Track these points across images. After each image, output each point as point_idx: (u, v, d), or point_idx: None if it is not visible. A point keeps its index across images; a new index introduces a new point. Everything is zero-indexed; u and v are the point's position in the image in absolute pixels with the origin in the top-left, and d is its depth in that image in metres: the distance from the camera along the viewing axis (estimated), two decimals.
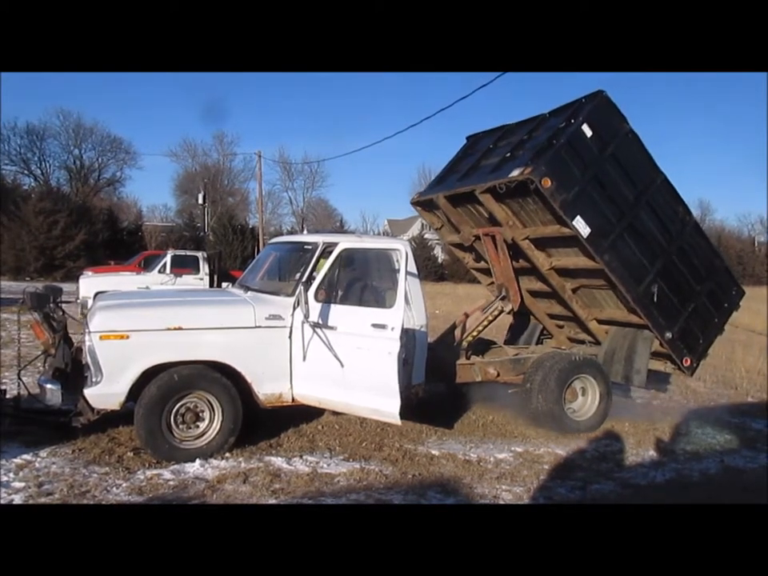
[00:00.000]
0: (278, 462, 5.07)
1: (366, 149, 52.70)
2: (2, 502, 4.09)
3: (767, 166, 60.09)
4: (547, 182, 5.86)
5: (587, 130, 6.18)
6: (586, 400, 6.65)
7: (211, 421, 5.09)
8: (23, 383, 5.35)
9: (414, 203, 8.15)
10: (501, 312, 7.07)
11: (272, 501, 4.32)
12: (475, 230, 7.36)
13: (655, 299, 6.49)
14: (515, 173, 6.05)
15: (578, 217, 6.04)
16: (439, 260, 45.00)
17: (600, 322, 7.13)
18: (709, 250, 7.12)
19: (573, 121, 6.24)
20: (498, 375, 6.67)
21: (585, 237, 6.08)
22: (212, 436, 5.08)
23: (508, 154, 6.65)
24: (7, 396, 5.42)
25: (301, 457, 5.25)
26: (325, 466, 5.09)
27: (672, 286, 6.68)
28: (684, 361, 6.91)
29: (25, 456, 4.86)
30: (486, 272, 7.88)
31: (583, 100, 6.41)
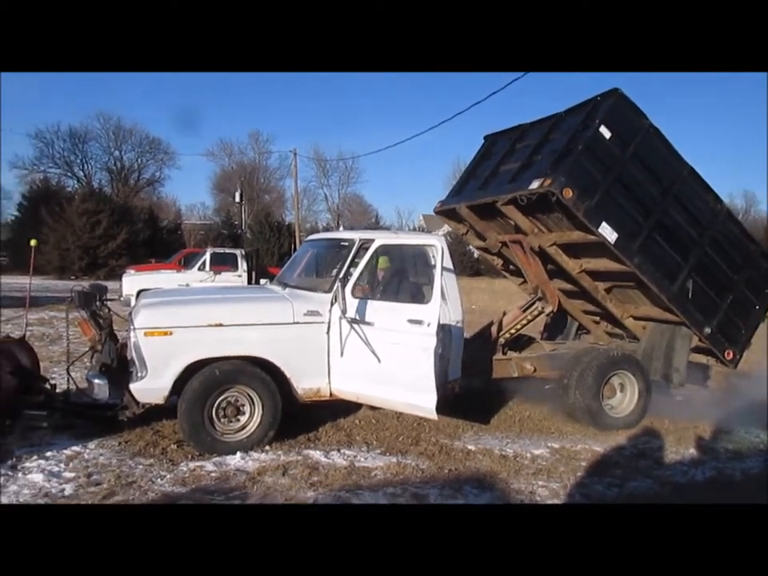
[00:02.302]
0: (317, 455, 5.16)
1: (401, 144, 52.82)
2: (54, 491, 4.26)
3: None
4: (568, 193, 5.74)
5: (605, 132, 6.01)
6: (624, 396, 6.58)
7: (251, 415, 5.21)
8: (72, 378, 5.55)
9: (438, 212, 8.09)
10: (540, 312, 7.02)
11: (310, 493, 4.41)
12: (501, 237, 7.30)
13: (690, 295, 6.35)
14: (535, 185, 5.94)
15: (604, 223, 5.91)
16: (475, 255, 44.68)
17: (636, 318, 7.04)
18: (743, 236, 6.92)
19: (589, 123, 6.09)
20: (535, 371, 6.65)
21: (612, 243, 5.96)
22: (252, 429, 5.19)
23: (526, 160, 6.55)
24: (57, 390, 5.63)
25: (338, 450, 5.33)
26: (362, 459, 5.16)
27: (708, 279, 6.54)
28: (726, 354, 6.78)
29: (74, 447, 5.05)
30: (517, 273, 7.83)
31: (598, 98, 6.23)
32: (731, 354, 6.80)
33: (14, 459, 4.70)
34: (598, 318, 7.65)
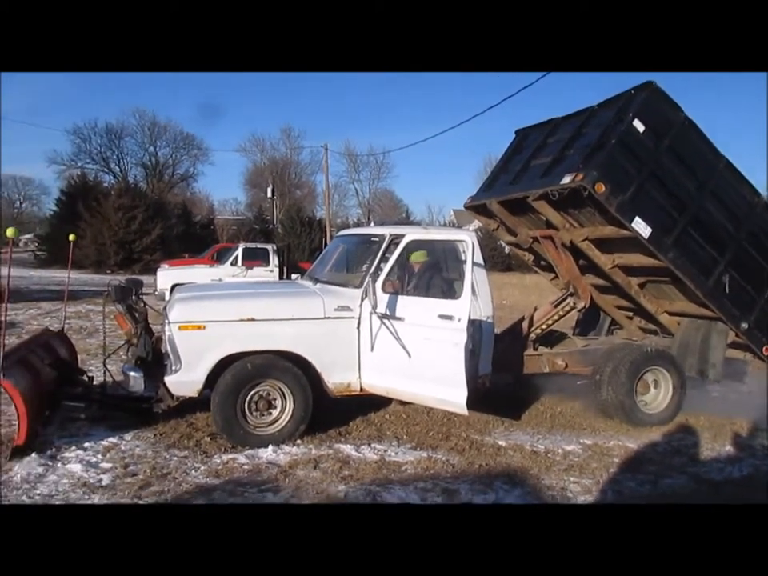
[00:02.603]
0: (347, 449, 5.19)
1: (432, 139, 52.44)
2: (91, 480, 4.37)
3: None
4: (600, 187, 5.65)
5: (639, 126, 5.90)
6: (658, 393, 6.49)
7: (283, 408, 5.26)
8: (108, 371, 5.67)
9: (468, 207, 8.03)
10: (572, 308, 6.95)
11: (341, 487, 4.45)
12: (532, 232, 7.23)
13: (727, 290, 6.24)
14: (566, 179, 5.87)
15: (637, 218, 5.81)
16: (506, 250, 44.34)
17: (671, 314, 6.93)
18: None
19: (623, 116, 5.98)
20: (567, 366, 6.60)
21: (646, 238, 5.86)
22: (284, 423, 5.25)
23: (558, 155, 6.47)
24: (94, 383, 5.77)
25: (369, 445, 5.36)
26: (392, 454, 5.17)
27: (745, 273, 6.40)
28: (764, 349, 6.64)
29: (111, 439, 5.16)
30: (549, 269, 7.75)
31: (632, 92, 6.13)
32: None
33: (54, 449, 4.82)
34: (631, 314, 7.56)
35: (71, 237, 6.80)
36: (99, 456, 4.82)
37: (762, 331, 6.61)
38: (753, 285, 6.50)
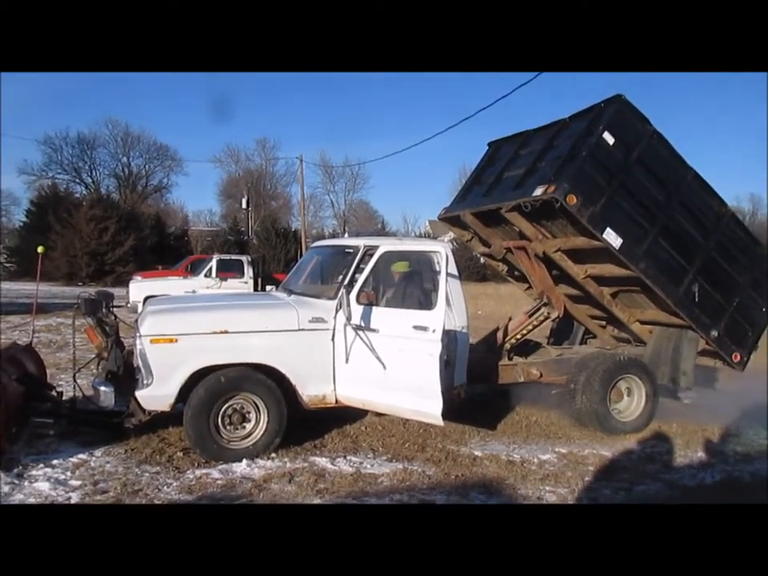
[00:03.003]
0: (323, 462, 5.15)
1: (407, 150, 52.46)
2: (60, 499, 4.26)
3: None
4: (572, 199, 5.75)
5: (609, 138, 6.03)
6: (631, 401, 6.56)
7: (257, 422, 5.20)
8: (78, 385, 5.56)
9: (442, 219, 8.09)
10: (546, 318, 7.01)
11: (317, 500, 4.40)
12: (505, 243, 7.29)
13: (696, 299, 6.35)
14: (538, 191, 5.96)
15: (608, 229, 5.91)
16: (481, 260, 44.59)
17: (643, 323, 7.02)
18: (748, 239, 6.96)
19: (593, 129, 6.10)
20: (541, 376, 6.63)
21: (617, 248, 5.97)
22: (258, 437, 5.19)
23: (530, 167, 6.56)
24: (64, 398, 5.64)
25: (345, 457, 5.32)
26: (368, 466, 5.14)
27: (713, 282, 6.54)
28: (733, 356, 6.77)
29: (81, 455, 5.05)
30: (522, 279, 7.82)
31: (602, 105, 6.26)
32: (738, 357, 6.80)
33: (20, 467, 4.70)
34: (604, 323, 7.64)
35: (39, 249, 6.67)
36: (68, 473, 4.70)
37: (731, 338, 6.73)
38: (721, 293, 6.63)
